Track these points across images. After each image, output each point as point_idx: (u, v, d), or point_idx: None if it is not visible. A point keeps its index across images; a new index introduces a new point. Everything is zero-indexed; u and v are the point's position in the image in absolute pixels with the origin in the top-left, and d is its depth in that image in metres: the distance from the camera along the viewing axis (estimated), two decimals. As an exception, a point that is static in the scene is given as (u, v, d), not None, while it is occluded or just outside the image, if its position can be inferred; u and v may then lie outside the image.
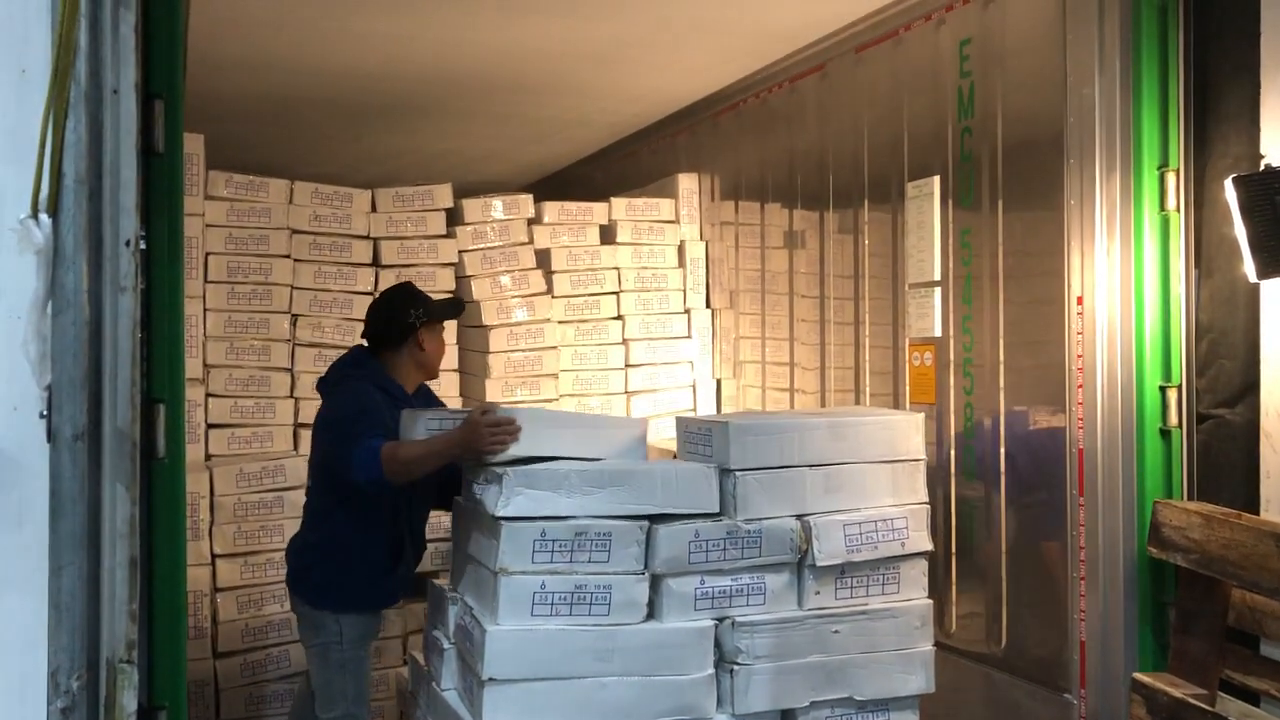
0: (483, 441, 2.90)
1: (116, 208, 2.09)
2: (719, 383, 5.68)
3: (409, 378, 3.49)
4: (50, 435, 2.03)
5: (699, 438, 3.00)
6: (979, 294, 3.84)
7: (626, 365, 5.54)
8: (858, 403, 4.51)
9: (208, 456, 4.73)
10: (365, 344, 3.60)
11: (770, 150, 5.19)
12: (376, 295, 3.70)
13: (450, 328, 5.27)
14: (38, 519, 2.03)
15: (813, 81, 4.82)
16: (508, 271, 5.42)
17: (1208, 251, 3.21)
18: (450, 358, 5.31)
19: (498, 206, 5.50)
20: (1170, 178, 3.27)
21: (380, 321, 3.49)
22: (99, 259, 2.07)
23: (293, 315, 5.00)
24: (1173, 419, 3.27)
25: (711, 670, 2.80)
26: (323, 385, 3.58)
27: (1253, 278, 2.90)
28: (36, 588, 2.02)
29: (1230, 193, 2.91)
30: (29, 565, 2.03)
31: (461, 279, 5.41)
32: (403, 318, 3.44)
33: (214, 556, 4.50)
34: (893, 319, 4.29)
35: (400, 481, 3.16)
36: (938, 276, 4.03)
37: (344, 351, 3.86)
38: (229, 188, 4.91)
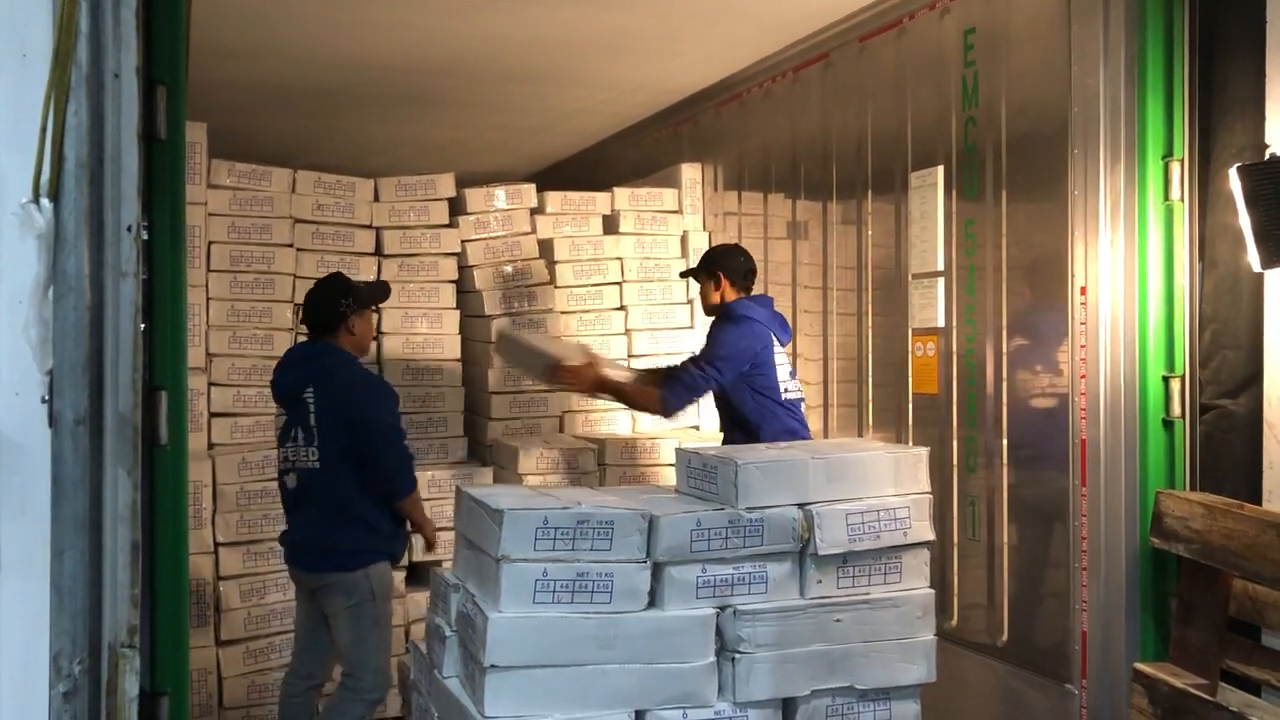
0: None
1: (118, 193, 2.08)
2: (721, 373, 5.67)
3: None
4: (52, 420, 2.03)
5: (702, 473, 3.01)
6: (982, 284, 3.84)
7: (629, 355, 5.53)
8: (860, 393, 4.51)
9: (210, 445, 4.74)
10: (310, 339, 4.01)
11: (773, 140, 5.18)
12: (311, 289, 4.02)
13: (451, 318, 5.30)
14: (40, 503, 2.03)
15: (816, 71, 4.81)
16: (510, 261, 5.42)
17: (1212, 241, 3.20)
18: (453, 347, 5.31)
19: (500, 196, 5.49)
20: (1175, 167, 3.26)
21: (318, 312, 3.92)
22: (100, 244, 2.07)
23: (295, 304, 5.00)
24: (1175, 409, 3.26)
25: (713, 658, 2.79)
26: (313, 369, 3.85)
27: (1257, 268, 2.89)
28: (39, 572, 2.02)
29: (1235, 182, 2.90)
30: (31, 549, 2.02)
31: (464, 269, 5.41)
32: (334, 307, 3.88)
33: (216, 545, 4.50)
34: (896, 309, 4.28)
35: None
36: (941, 267, 4.03)
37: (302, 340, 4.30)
38: (231, 176, 4.91)
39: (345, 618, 3.75)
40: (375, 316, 4.09)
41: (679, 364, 4.30)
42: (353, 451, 3.76)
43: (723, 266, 4.35)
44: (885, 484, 2.98)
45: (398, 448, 3.81)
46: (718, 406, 4.34)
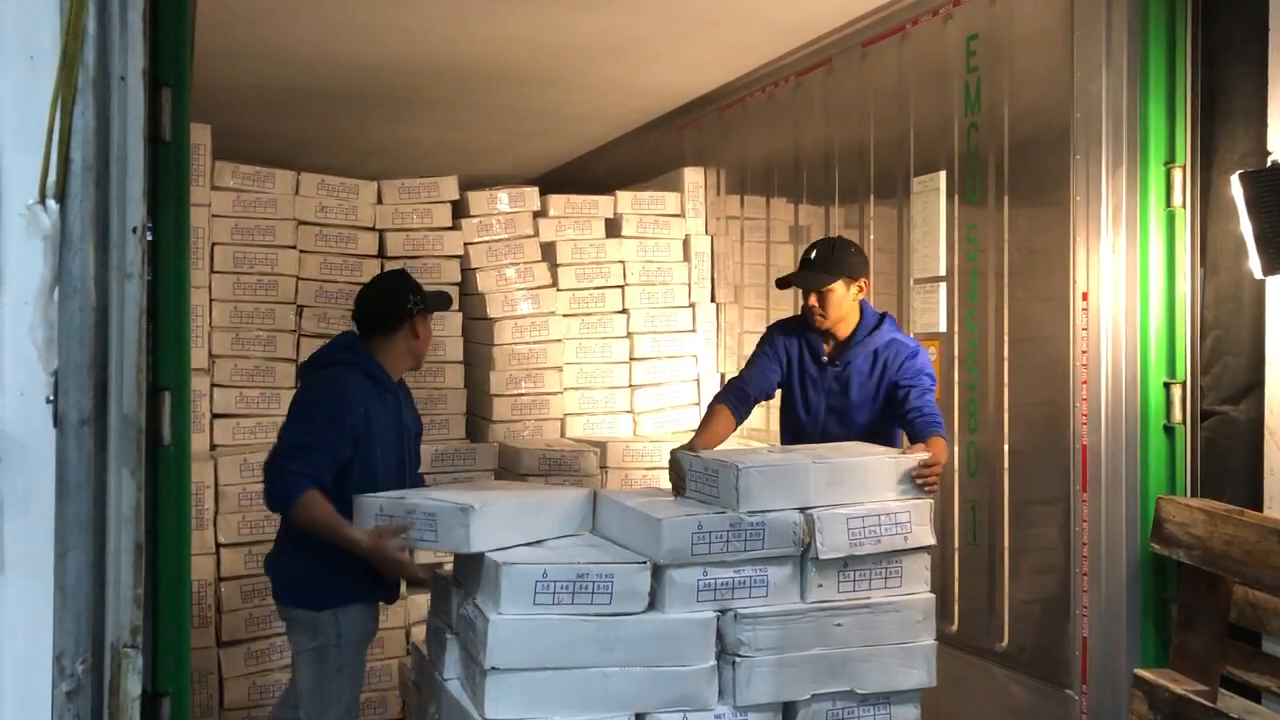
0: (384, 568, 3.12)
1: (124, 194, 2.09)
2: (723, 377, 5.68)
3: (397, 365, 3.43)
4: (56, 420, 2.03)
5: (703, 477, 3.01)
6: (984, 289, 3.84)
7: (630, 359, 5.54)
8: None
9: (213, 446, 4.74)
10: (354, 330, 3.50)
11: (776, 144, 5.19)
12: (370, 281, 3.57)
13: (453, 320, 5.31)
14: (44, 503, 2.04)
15: (819, 76, 4.82)
16: (513, 264, 5.43)
17: (1213, 248, 3.21)
18: (455, 349, 5.32)
19: (503, 199, 5.50)
20: (1177, 173, 3.26)
21: (377, 306, 3.42)
22: (106, 245, 2.07)
23: (298, 306, 5.01)
24: (1177, 415, 3.27)
25: (713, 662, 2.80)
26: (308, 367, 3.46)
27: (1258, 274, 2.90)
28: (42, 571, 2.02)
29: (1236, 188, 2.91)
30: (35, 549, 2.03)
31: (466, 271, 5.41)
32: (401, 303, 3.38)
33: (218, 546, 4.50)
34: (898, 314, 4.28)
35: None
36: (943, 272, 4.03)
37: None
38: (235, 178, 4.92)
39: (307, 659, 3.24)
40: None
41: (925, 409, 3.34)
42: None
43: (865, 271, 3.61)
44: (886, 488, 2.99)
45: (290, 453, 3.14)
46: (861, 426, 3.54)
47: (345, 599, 3.24)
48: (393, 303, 3.39)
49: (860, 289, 3.55)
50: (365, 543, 3.05)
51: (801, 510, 2.88)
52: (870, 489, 2.97)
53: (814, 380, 3.60)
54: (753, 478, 2.84)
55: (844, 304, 3.52)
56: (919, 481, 3.02)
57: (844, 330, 3.56)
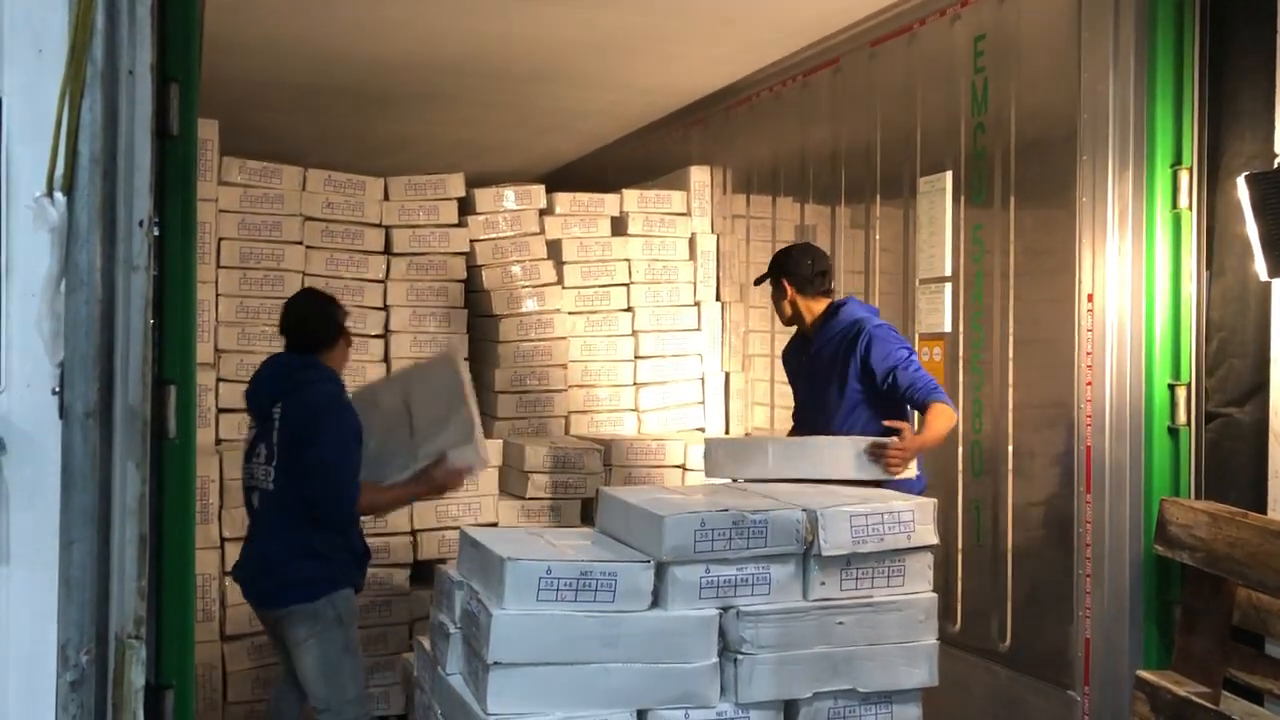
0: (451, 486, 3.70)
1: (130, 188, 2.10)
2: (727, 376, 5.69)
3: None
4: (62, 412, 2.05)
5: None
6: (990, 290, 3.84)
7: (635, 357, 5.54)
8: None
9: (218, 440, 4.76)
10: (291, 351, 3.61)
11: (783, 144, 5.19)
12: (294, 302, 3.71)
13: (459, 317, 5.32)
14: (49, 494, 2.05)
15: (826, 76, 4.82)
16: (518, 261, 5.44)
17: (1219, 250, 3.21)
18: (461, 347, 5.33)
19: (510, 196, 5.51)
20: (1183, 175, 3.26)
21: (323, 323, 3.59)
22: (112, 238, 2.09)
23: (304, 302, 5.01)
24: (1181, 417, 3.26)
25: (715, 659, 2.80)
26: (286, 386, 3.50)
27: (1264, 276, 2.90)
28: (47, 562, 2.04)
29: (1243, 190, 2.91)
30: (40, 540, 2.05)
31: (472, 268, 5.42)
32: (339, 317, 3.62)
33: (223, 540, 4.51)
34: (903, 314, 4.28)
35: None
36: (949, 272, 4.03)
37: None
38: (242, 174, 4.93)
39: (313, 647, 3.38)
40: None
41: (917, 383, 3.46)
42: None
43: (787, 272, 3.77)
44: (844, 466, 3.31)
45: (330, 482, 3.39)
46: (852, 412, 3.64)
47: (335, 584, 3.44)
48: (334, 317, 3.62)
49: (786, 290, 3.77)
50: (416, 487, 3.62)
51: (764, 482, 3.17)
52: (825, 466, 3.32)
53: (805, 373, 3.87)
54: (715, 447, 3.47)
55: (779, 302, 3.83)
56: (875, 460, 3.33)
57: (808, 323, 3.82)
